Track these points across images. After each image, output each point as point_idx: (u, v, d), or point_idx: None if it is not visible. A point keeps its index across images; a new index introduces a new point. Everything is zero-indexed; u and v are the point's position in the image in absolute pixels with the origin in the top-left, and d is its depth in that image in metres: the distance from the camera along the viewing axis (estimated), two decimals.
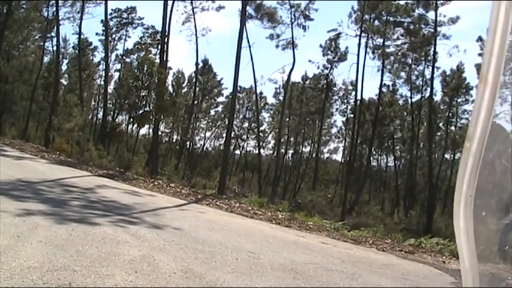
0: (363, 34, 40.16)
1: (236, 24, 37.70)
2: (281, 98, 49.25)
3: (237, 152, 55.77)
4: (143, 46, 51.96)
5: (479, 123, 1.14)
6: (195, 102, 49.31)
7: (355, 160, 44.15)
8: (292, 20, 41.87)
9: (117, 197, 16.34)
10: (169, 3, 35.80)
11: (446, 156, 47.40)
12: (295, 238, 14.81)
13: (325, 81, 46.96)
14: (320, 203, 34.60)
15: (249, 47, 37.64)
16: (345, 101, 49.85)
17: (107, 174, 23.07)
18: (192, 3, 42.11)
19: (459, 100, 45.80)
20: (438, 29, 39.46)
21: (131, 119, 41.17)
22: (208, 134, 56.91)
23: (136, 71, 41.74)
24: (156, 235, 10.60)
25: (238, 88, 41.12)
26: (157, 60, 34.17)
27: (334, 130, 54.48)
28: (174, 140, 54.01)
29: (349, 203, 38.32)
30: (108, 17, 45.49)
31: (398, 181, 48.31)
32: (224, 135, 44.88)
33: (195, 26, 42.04)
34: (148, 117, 31.95)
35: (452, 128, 47.67)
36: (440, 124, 47.26)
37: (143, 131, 52.08)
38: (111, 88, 49.89)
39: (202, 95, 52.61)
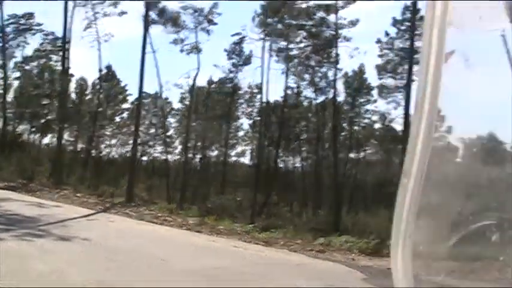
0: (267, 37, 40.64)
1: (140, 30, 37.22)
2: (187, 102, 49.00)
3: (144, 158, 54.96)
4: (43, 53, 50.30)
5: (416, 156, 1.07)
6: (100, 109, 48.24)
7: (263, 162, 44.54)
8: (196, 25, 41.81)
9: (21, 209, 15.78)
10: (70, 9, 34.95)
11: (351, 155, 48.56)
12: (207, 243, 14.82)
13: (230, 84, 47.12)
14: (230, 206, 34.63)
15: (154, 52, 37.23)
16: (251, 104, 50.06)
17: (9, 187, 22.25)
18: (93, 8, 41.20)
19: (361, 100, 46.96)
20: (339, 31, 40.45)
21: (33, 128, 39.78)
22: (114, 141, 55.72)
23: (36, 78, 40.35)
24: (64, 247, 10.33)
25: (144, 94, 40.64)
26: (59, 68, 33.20)
27: (241, 133, 54.61)
28: (79, 149, 52.60)
29: (258, 205, 38.59)
30: (5, 22, 43.77)
31: (305, 181, 49.06)
32: (130, 142, 44.20)
33: (97, 32, 41.14)
34: (52, 126, 31.00)
35: (356, 127, 48.87)
36: (344, 124, 48.36)
37: (46, 140, 50.53)
38: (10, 97, 48.03)
39: (107, 102, 51.48)
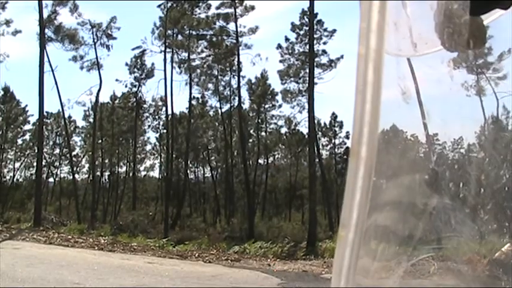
0: (168, 49, 40.49)
1: (36, 49, 36.13)
2: (91, 120, 48.07)
3: (51, 179, 53.49)
4: None
5: (355, 207, 0.97)
6: (0, 132, 46.60)
7: (173, 175, 44.29)
8: (95, 40, 41.14)
9: None
10: None
11: (260, 161, 49.14)
12: (121, 262, 14.60)
13: (134, 99, 46.62)
14: (142, 222, 34.24)
15: (52, 70, 36.25)
16: (157, 117, 49.80)
17: None
18: None
19: (266, 106, 47.62)
20: (240, 39, 40.90)
21: None
22: (17, 164, 53.93)
23: None
24: None
25: (45, 114, 39.57)
26: None
27: (148, 147, 54.16)
28: None
29: (171, 218, 38.35)
30: None
31: (217, 191, 49.16)
32: (35, 164, 42.87)
33: None
34: None
35: (263, 133, 49.49)
36: (251, 131, 48.83)
37: None
38: None
39: (7, 124, 49.74)
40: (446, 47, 1.25)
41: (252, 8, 40.56)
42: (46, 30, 35.44)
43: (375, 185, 1.00)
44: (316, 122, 38.91)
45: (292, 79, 42.43)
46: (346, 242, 0.96)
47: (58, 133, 52.15)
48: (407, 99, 1.42)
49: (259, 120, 48.37)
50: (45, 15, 34.65)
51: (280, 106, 46.54)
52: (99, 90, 40.50)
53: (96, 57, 40.81)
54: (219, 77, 44.30)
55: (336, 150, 50.02)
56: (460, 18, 1.22)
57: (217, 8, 41.01)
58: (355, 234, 0.96)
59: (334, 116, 48.60)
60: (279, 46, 42.05)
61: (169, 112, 41.62)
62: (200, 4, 41.35)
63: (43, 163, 38.11)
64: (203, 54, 42.82)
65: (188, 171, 48.73)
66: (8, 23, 40.11)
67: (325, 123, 49.15)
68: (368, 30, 0.97)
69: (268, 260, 17.77)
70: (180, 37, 42.14)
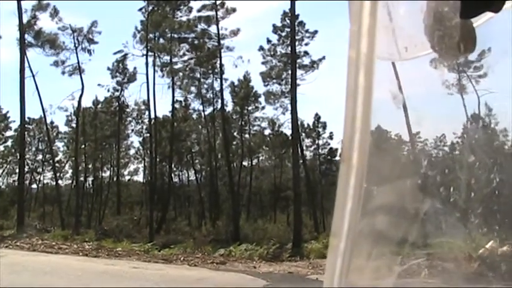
0: (150, 53, 40.35)
1: (16, 54, 35.98)
2: (74, 125, 47.75)
3: (34, 186, 53.12)
4: None
5: (346, 215, 0.95)
6: None
7: (157, 179, 44.18)
8: (76, 45, 40.94)
9: None
10: None
11: (244, 163, 49.09)
12: (105, 267, 14.52)
13: (117, 103, 46.41)
14: (127, 226, 34.12)
15: (33, 76, 35.98)
16: (140, 121, 49.57)
17: None
18: None
19: (249, 108, 47.60)
20: (222, 42, 40.92)
21: None
22: None
23: None
24: None
25: (27, 120, 39.26)
26: None
27: (132, 151, 53.90)
28: None
29: (156, 222, 38.22)
30: None
31: (202, 194, 49.09)
32: (17, 170, 42.54)
33: None
34: None
35: (247, 135, 49.46)
36: (235, 133, 48.78)
37: None
38: None
39: None
40: (437, 50, 1.23)
41: (234, 10, 40.63)
42: (26, 36, 35.23)
43: (366, 189, 1.00)
44: (299, 123, 38.95)
45: (274, 81, 42.50)
46: (338, 251, 0.96)
47: (40, 139, 51.81)
48: (398, 104, 1.40)
49: (243, 123, 48.35)
50: (24, 20, 34.46)
51: (263, 108, 46.63)
52: (81, 95, 40.34)
53: (78, 62, 40.64)
54: (202, 80, 44.29)
55: (320, 151, 50.14)
56: (451, 21, 1.20)
57: (199, 10, 41.04)
58: (346, 243, 0.95)
59: (317, 117, 48.73)
60: (261, 48, 42.15)
61: (152, 116, 41.52)
62: (181, 7, 41.35)
63: (25, 169, 37.89)
64: (185, 57, 42.80)
65: (172, 175, 48.59)
66: None
67: (308, 124, 49.21)
68: (359, 33, 0.96)
69: (254, 262, 17.79)
70: (161, 40, 42.09)
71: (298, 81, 34.16)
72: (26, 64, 32.15)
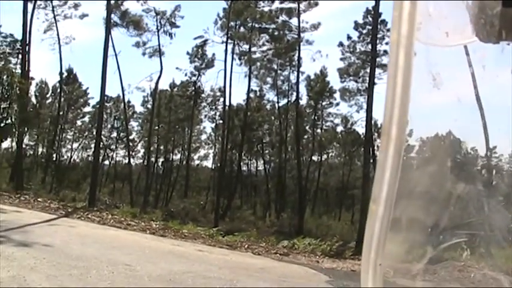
0: (229, 41, 40.57)
1: (102, 33, 36.93)
2: (149, 106, 48.66)
3: (106, 162, 54.42)
4: (1, 56, 49.38)
5: (385, 183, 1.03)
6: (61, 113, 47.59)
7: (226, 166, 44.50)
8: (158, 28, 41.60)
9: None
10: (30, 10, 34.39)
11: (313, 158, 48.89)
12: (171, 247, 14.73)
13: (193, 88, 46.96)
14: (193, 210, 34.58)
15: (115, 55, 36.82)
16: (214, 107, 50.08)
17: None
18: (53, 10, 40.57)
19: (324, 103, 47.33)
20: (301, 35, 40.79)
21: None
22: (75, 145, 55.09)
23: None
24: (25, 253, 10.13)
25: (106, 97, 40.20)
26: (19, 71, 32.58)
27: (203, 137, 54.60)
28: (39, 153, 51.80)
29: (221, 208, 38.53)
30: None
31: (268, 185, 49.16)
32: (92, 146, 43.73)
33: (58, 35, 40.50)
34: (11, 130, 30.40)
35: (318, 130, 49.24)
36: (307, 127, 48.62)
37: (6, 144, 49.64)
38: None
39: (68, 106, 50.88)
40: (480, 38, 1.21)
41: (316, 4, 40.44)
42: (112, 15, 36.03)
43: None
44: (373, 122, 38.43)
45: (351, 78, 42.10)
46: (377, 215, 1.03)
47: (116, 117, 53.06)
48: (439, 86, 1.40)
49: (316, 117, 48.16)
50: (112, 0, 35.27)
51: (337, 104, 46.32)
52: (159, 77, 41.00)
53: (159, 44, 41.34)
54: (278, 72, 44.30)
55: None
56: (493, 9, 1.18)
57: (281, 2, 40.95)
58: (384, 208, 1.03)
59: None
60: (341, 44, 41.78)
61: (227, 103, 41.75)
62: None
63: (100, 145, 38.78)
64: (264, 48, 42.90)
65: (241, 163, 48.88)
66: (76, 6, 41.06)
67: (381, 125, 48.53)
68: (400, 18, 1.03)
69: (317, 256, 17.69)
70: (242, 29, 42.27)
71: (375, 80, 33.66)
72: (110, 43, 32.89)
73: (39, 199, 22.56)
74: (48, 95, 52.11)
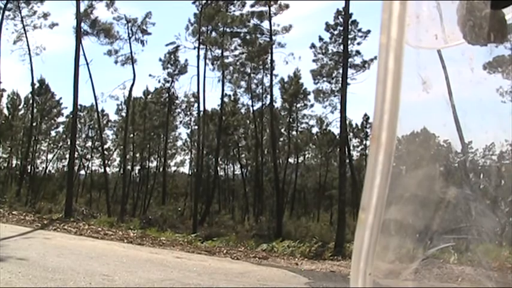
0: (201, 46, 40.52)
1: (73, 42, 36.67)
2: (124, 114, 48.39)
3: (82, 172, 54.05)
4: None
5: (375, 190, 1.00)
6: (34, 124, 47.13)
7: (203, 171, 44.44)
8: (130, 35, 41.42)
9: None
10: None
11: (290, 160, 49.01)
12: (149, 255, 14.68)
13: (167, 94, 46.86)
14: (171, 217, 34.51)
15: (87, 64, 36.61)
16: (188, 113, 49.96)
17: None
18: (22, 21, 40.17)
19: (298, 105, 47.45)
20: (273, 38, 40.88)
21: None
22: (50, 156, 54.55)
23: None
24: None
25: (79, 107, 39.96)
26: None
27: (179, 143, 54.38)
28: (13, 165, 51.21)
29: (199, 214, 38.47)
30: None
31: (246, 188, 49.21)
32: (67, 156, 43.35)
33: (28, 45, 40.08)
34: None
35: (294, 132, 49.36)
36: (282, 130, 48.73)
37: None
38: None
39: (41, 116, 50.35)
40: (468, 40, 1.24)
41: (287, 6, 40.55)
42: (82, 24, 35.82)
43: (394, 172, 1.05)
44: (348, 122, 38.67)
45: (325, 79, 42.24)
46: (366, 224, 1.02)
47: (91, 126, 52.71)
48: (428, 89, 1.42)
49: (291, 119, 48.29)
50: (82, 9, 35.04)
51: (312, 106, 46.44)
52: (132, 85, 40.84)
53: (131, 52, 41.16)
54: (252, 75, 44.34)
55: (367, 151, 49.65)
56: (481, 11, 1.21)
57: (252, 6, 41.09)
58: (374, 216, 1.01)
59: (366, 117, 48.18)
60: (313, 45, 41.94)
61: (201, 108, 41.69)
62: (235, 2, 41.45)
63: (75, 155, 38.48)
64: (236, 52, 42.92)
65: (218, 168, 48.84)
66: (45, 16, 40.71)
67: (356, 124, 48.75)
68: (389, 21, 1.02)
69: (296, 259, 17.76)
70: (214, 34, 42.29)
71: (348, 81, 33.85)
72: (81, 52, 32.68)
73: (14, 212, 22.30)
74: (20, 107, 51.53)
